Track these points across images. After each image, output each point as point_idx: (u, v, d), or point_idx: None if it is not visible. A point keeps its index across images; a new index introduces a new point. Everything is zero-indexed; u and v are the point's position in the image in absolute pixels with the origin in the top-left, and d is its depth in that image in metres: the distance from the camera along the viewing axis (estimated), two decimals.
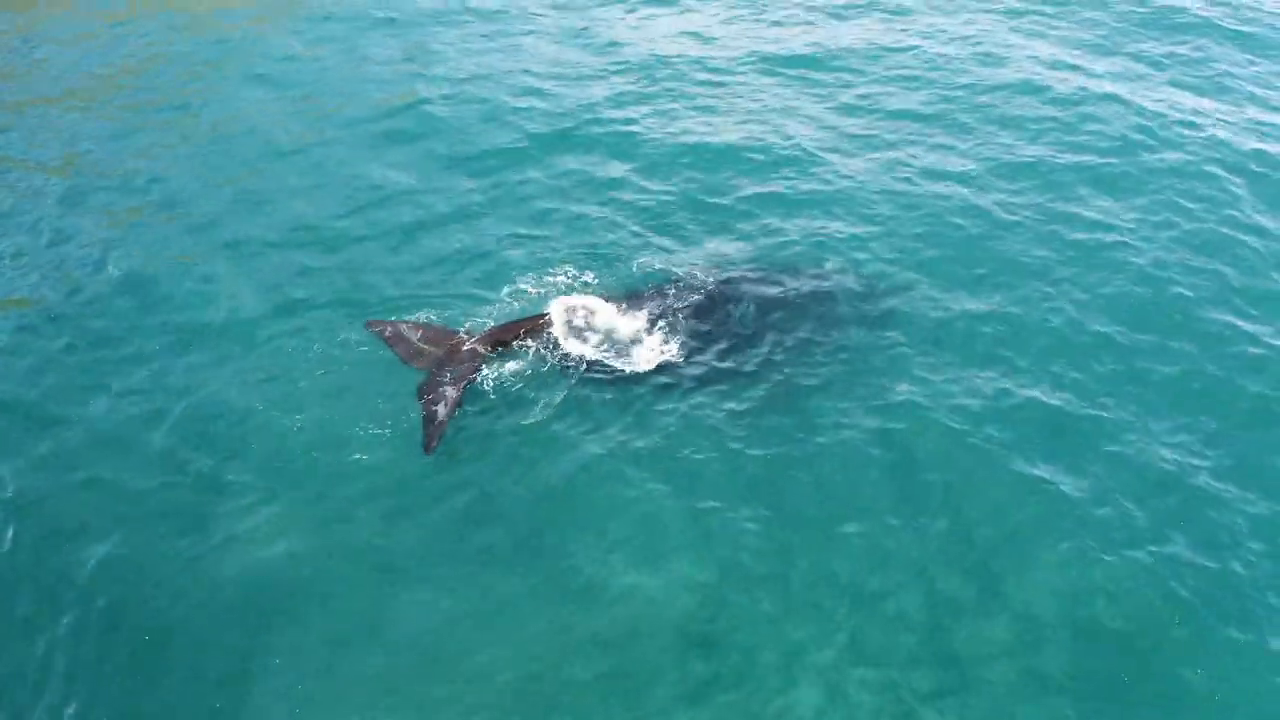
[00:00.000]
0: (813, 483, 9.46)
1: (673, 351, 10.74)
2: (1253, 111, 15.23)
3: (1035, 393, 10.33)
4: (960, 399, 10.24)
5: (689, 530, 9.06)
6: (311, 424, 10.10)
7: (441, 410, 10.01)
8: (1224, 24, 17.67)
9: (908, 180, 13.73)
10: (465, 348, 10.70)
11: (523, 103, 15.80)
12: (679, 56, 17.28)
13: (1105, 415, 10.09)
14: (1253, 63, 16.55)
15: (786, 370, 10.60)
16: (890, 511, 9.19)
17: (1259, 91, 15.80)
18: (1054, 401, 10.24)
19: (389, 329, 11.05)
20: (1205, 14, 17.93)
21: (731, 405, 10.23)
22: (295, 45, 17.97)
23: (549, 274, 11.93)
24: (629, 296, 11.40)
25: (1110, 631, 8.28)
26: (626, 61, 17.10)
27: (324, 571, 8.87)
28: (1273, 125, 14.90)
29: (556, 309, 11.04)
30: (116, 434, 10.16)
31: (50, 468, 9.88)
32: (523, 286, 11.77)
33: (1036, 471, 9.52)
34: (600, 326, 10.93)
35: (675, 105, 15.75)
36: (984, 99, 15.59)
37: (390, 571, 8.87)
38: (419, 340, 10.86)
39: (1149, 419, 10.07)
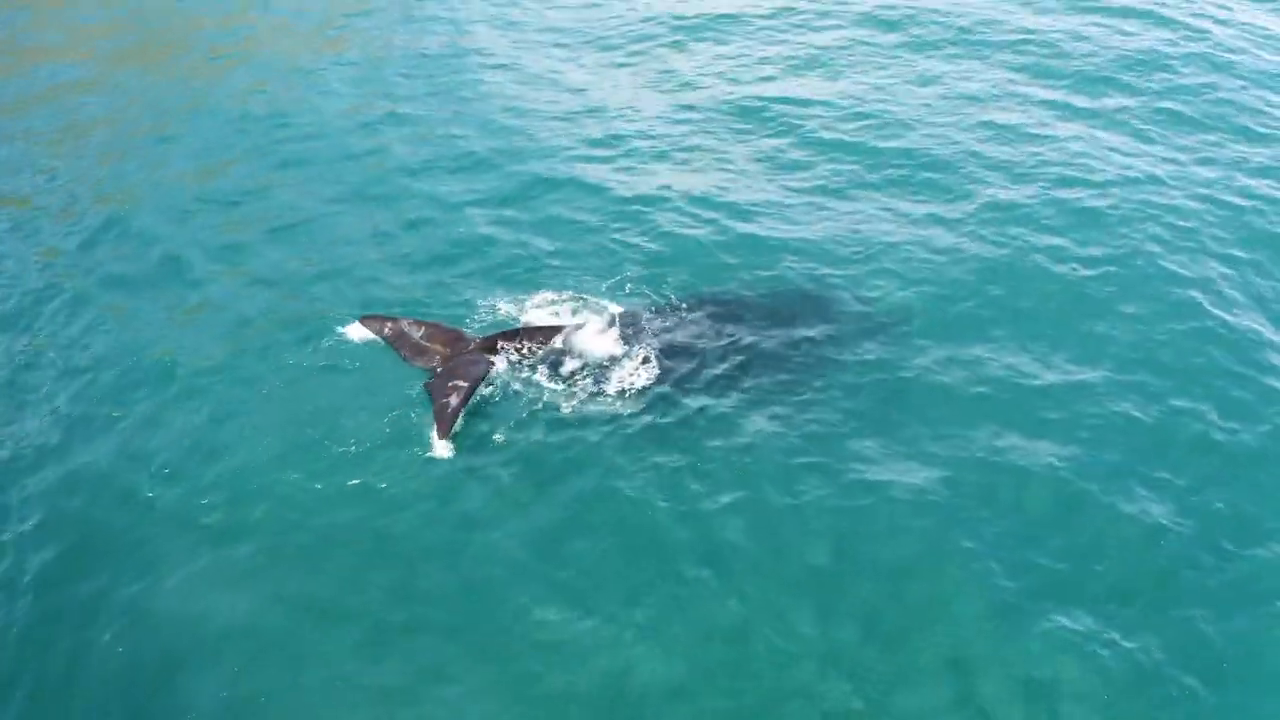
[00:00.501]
0: (776, 538, 9.08)
1: (649, 379, 10.61)
2: (1239, 146, 15.18)
3: (1014, 438, 10.03)
4: (936, 448, 9.93)
5: (648, 585, 8.71)
6: (281, 455, 9.92)
7: (455, 399, 9.94)
8: (1213, 57, 17.65)
9: (890, 223, 13.49)
10: (472, 348, 10.66)
11: (496, 142, 15.66)
12: (659, 102, 17.08)
13: (1082, 466, 9.75)
14: (1238, 96, 16.50)
15: (762, 416, 10.30)
16: (853, 570, 8.81)
17: (1246, 122, 15.76)
18: (1031, 454, 9.88)
19: (387, 326, 10.96)
20: (1191, 49, 17.91)
21: (705, 447, 9.94)
22: (270, 85, 17.86)
23: (524, 298, 11.88)
24: (605, 325, 11.22)
25: (1079, 690, 7.96)
26: (602, 106, 16.89)
27: (285, 613, 8.60)
28: (1257, 158, 14.84)
29: (547, 326, 11.07)
30: (86, 470, 9.92)
31: (21, 507, 9.62)
32: (496, 304, 11.75)
33: (1011, 531, 9.15)
34: (574, 351, 10.84)
35: (652, 148, 15.55)
36: (968, 140, 15.40)
37: (352, 615, 8.58)
38: (421, 338, 10.79)
39: (1127, 470, 9.73)
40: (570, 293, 11.91)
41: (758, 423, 10.21)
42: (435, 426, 9.84)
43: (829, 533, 9.09)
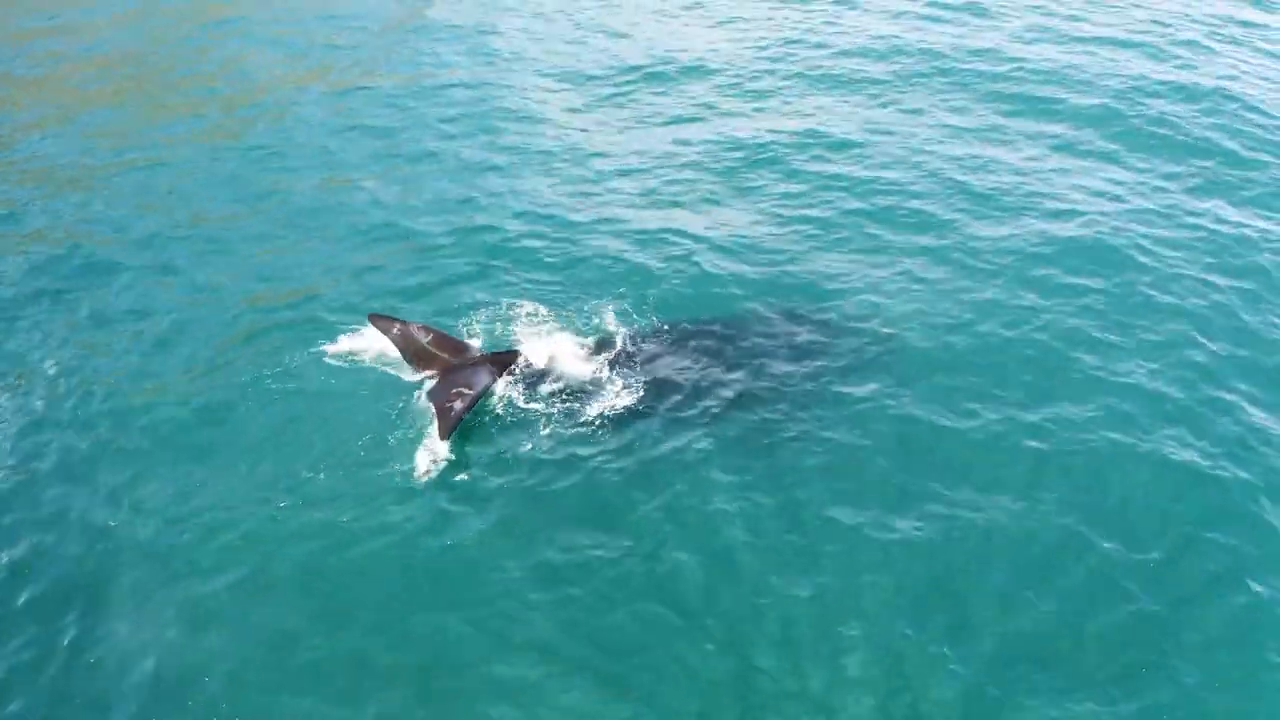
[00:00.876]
0: (749, 583, 8.75)
1: (629, 405, 10.44)
2: (1229, 173, 15.06)
3: (1001, 475, 9.73)
4: (921, 488, 9.62)
5: (617, 629, 8.40)
6: (252, 485, 9.73)
7: (459, 404, 9.98)
8: (1201, 86, 17.59)
9: (876, 255, 13.27)
10: (478, 361, 10.66)
11: (476, 174, 15.48)
12: (644, 134, 16.92)
13: (1070, 506, 9.44)
14: (1227, 124, 16.43)
15: (742, 452, 10.02)
16: (831, 617, 8.45)
17: (1236, 150, 15.65)
18: (1019, 494, 9.58)
19: (396, 328, 10.96)
20: (1179, 79, 17.89)
21: (683, 484, 9.67)
22: (251, 114, 17.79)
23: (504, 324, 11.70)
24: (587, 350, 11.14)
25: None
26: (586, 139, 16.75)
27: (254, 648, 8.33)
28: (1247, 187, 14.72)
29: (526, 349, 11.04)
30: (53, 504, 9.69)
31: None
32: (475, 328, 11.60)
33: (997, 576, 8.81)
34: (555, 374, 10.74)
35: (637, 180, 15.35)
36: (956, 172, 15.23)
37: (322, 652, 8.30)
38: (428, 344, 10.80)
39: (1116, 508, 9.45)
40: (553, 318, 11.73)
41: (737, 458, 9.94)
42: (436, 425, 9.84)
43: (806, 578, 8.75)
